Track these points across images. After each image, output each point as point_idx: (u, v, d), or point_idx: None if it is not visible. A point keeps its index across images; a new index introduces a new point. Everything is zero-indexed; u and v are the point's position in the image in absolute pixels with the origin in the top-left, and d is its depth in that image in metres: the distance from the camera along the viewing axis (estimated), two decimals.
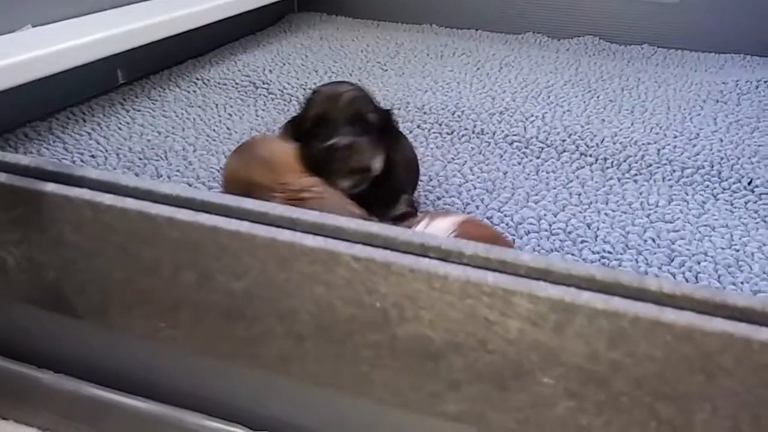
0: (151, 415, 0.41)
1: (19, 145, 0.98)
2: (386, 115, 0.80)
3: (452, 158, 0.99)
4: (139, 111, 1.13)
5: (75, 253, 0.35)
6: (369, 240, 0.31)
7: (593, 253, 0.77)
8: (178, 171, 0.92)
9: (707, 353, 0.25)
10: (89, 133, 1.03)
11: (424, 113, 1.14)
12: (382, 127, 0.77)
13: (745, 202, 0.88)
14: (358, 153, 0.72)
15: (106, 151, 0.97)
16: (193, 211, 0.32)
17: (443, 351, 0.30)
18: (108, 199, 0.33)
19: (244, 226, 0.32)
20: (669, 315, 0.26)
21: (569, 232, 0.81)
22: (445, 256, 0.30)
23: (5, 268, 0.37)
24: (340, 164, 0.70)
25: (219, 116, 1.13)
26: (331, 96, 0.75)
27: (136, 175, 0.91)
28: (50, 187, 0.34)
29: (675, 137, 1.06)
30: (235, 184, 0.65)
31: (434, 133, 1.08)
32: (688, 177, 0.94)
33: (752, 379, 0.25)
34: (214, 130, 1.07)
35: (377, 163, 0.74)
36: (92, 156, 0.96)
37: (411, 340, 0.31)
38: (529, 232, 0.81)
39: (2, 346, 0.44)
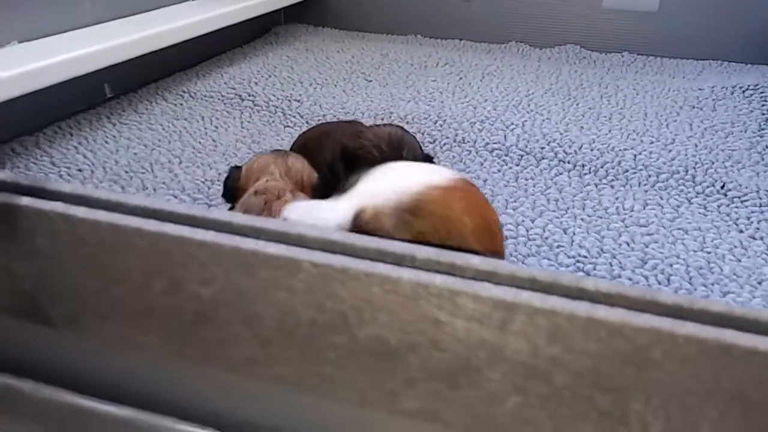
0: (127, 420, 0.42)
1: (6, 160, 0.99)
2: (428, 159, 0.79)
3: None
4: (125, 124, 1.15)
5: (50, 264, 0.37)
6: (328, 246, 0.32)
7: (569, 257, 0.79)
8: (163, 183, 0.94)
9: (638, 347, 0.27)
10: (76, 147, 1.05)
11: (407, 123, 1.16)
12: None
13: (718, 206, 0.90)
14: None
15: (93, 164, 0.99)
16: (161, 222, 0.34)
17: (399, 351, 0.32)
18: (80, 211, 0.35)
19: (209, 236, 0.33)
20: (601, 312, 0.27)
21: (546, 238, 0.83)
22: (398, 260, 0.32)
23: None
24: None
25: (205, 128, 1.15)
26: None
27: (122, 188, 0.92)
28: (25, 200, 0.36)
29: (651, 143, 1.08)
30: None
31: None
32: (663, 182, 0.97)
33: (679, 371, 0.27)
34: (199, 143, 1.09)
35: None
36: (79, 170, 0.97)
37: (369, 341, 0.32)
38: (507, 238, 0.83)
39: None
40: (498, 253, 0.45)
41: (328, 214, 0.41)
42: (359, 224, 0.40)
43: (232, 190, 0.75)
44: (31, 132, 1.09)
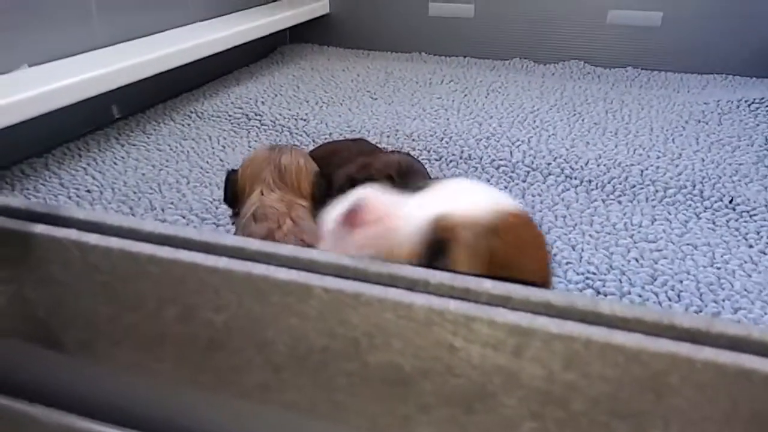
0: None
1: (15, 181, 1.00)
2: None
3: None
4: (134, 145, 1.16)
5: (63, 291, 0.37)
6: (339, 272, 0.32)
7: (578, 274, 0.79)
8: (171, 204, 0.94)
9: (655, 373, 0.27)
10: (85, 168, 1.05)
11: (413, 140, 1.16)
12: None
13: (727, 221, 0.90)
14: None
15: (102, 185, 1.00)
16: (174, 248, 0.34)
17: (413, 376, 0.32)
18: (93, 238, 0.35)
19: (222, 262, 0.33)
20: (619, 337, 0.27)
21: (554, 255, 0.83)
22: (411, 285, 0.31)
23: None
24: None
25: (212, 148, 1.15)
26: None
27: (131, 209, 0.93)
28: (39, 228, 0.36)
29: (658, 158, 1.08)
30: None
31: (423, 159, 1.10)
32: (670, 197, 0.97)
33: (697, 396, 0.27)
34: (207, 162, 1.09)
35: None
36: (88, 191, 0.98)
37: (382, 368, 0.32)
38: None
39: None
40: (547, 285, 0.45)
41: (410, 211, 0.40)
42: (438, 228, 0.39)
43: (232, 194, 0.75)
44: (41, 154, 1.10)
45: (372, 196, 0.41)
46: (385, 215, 0.39)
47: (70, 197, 0.96)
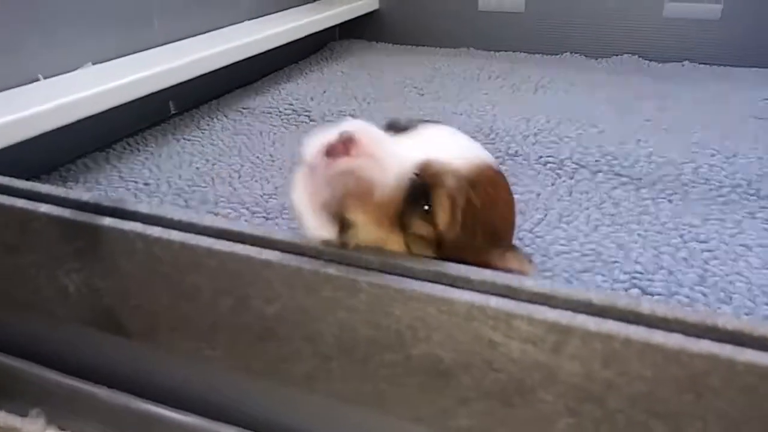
0: (193, 428, 0.44)
1: (79, 175, 1.06)
2: None
3: None
4: (188, 140, 1.20)
5: (127, 281, 0.39)
6: (386, 268, 0.34)
7: (624, 273, 0.78)
8: (223, 197, 0.98)
9: (695, 374, 0.27)
10: (143, 162, 1.10)
11: None
12: None
13: None
14: None
15: (158, 179, 1.04)
16: (231, 242, 0.36)
17: (453, 370, 0.33)
18: (156, 231, 0.38)
19: (274, 256, 0.35)
20: (658, 337, 0.28)
21: (600, 253, 0.82)
22: (453, 282, 0.33)
23: (67, 293, 0.42)
24: None
25: (263, 144, 1.18)
26: None
27: (185, 201, 0.97)
28: (107, 221, 0.39)
29: (712, 156, 1.05)
30: None
31: None
32: (724, 196, 0.94)
33: (739, 398, 0.27)
34: (258, 157, 1.12)
35: None
36: (145, 184, 1.02)
37: (424, 360, 0.34)
38: (560, 253, 0.82)
39: (62, 363, 0.49)
40: (511, 248, 0.45)
41: (398, 152, 0.39)
42: (424, 174, 0.38)
43: None
44: (102, 149, 1.16)
45: (363, 128, 0.39)
46: (375, 150, 0.37)
47: (128, 189, 1.01)
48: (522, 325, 0.30)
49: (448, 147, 0.41)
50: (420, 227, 0.38)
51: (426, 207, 0.38)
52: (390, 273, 0.33)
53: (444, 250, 0.38)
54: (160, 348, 0.42)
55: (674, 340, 0.27)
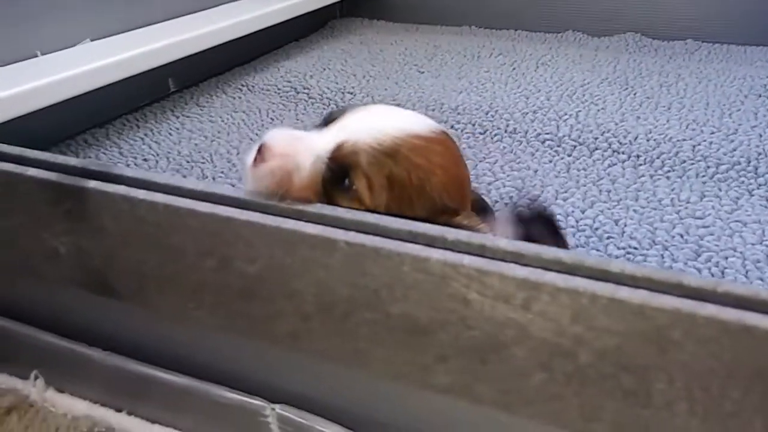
0: (185, 388, 0.45)
1: (79, 150, 1.06)
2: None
3: (484, 157, 1.01)
4: (188, 117, 1.21)
5: (115, 242, 0.40)
6: (362, 227, 0.34)
7: (618, 248, 0.78)
8: (222, 173, 0.98)
9: (659, 327, 0.28)
10: (142, 138, 1.11)
11: (458, 114, 1.16)
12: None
13: None
14: None
15: (157, 155, 1.05)
16: (212, 204, 0.37)
17: (430, 327, 0.34)
18: (141, 194, 0.38)
19: (255, 216, 0.36)
20: (623, 293, 0.28)
21: (596, 229, 0.82)
22: (429, 241, 0.33)
23: (58, 256, 0.43)
24: None
25: (262, 121, 1.19)
26: None
27: (184, 176, 0.97)
28: (93, 184, 0.39)
29: (712, 133, 1.05)
30: None
31: (467, 132, 1.11)
32: (722, 173, 0.94)
33: (700, 351, 0.27)
34: (256, 134, 1.13)
35: None
36: (144, 159, 1.03)
37: (402, 318, 0.34)
38: None
39: (57, 326, 0.50)
40: (464, 211, 0.46)
41: (311, 144, 0.43)
42: (337, 156, 0.42)
43: None
44: (102, 124, 1.16)
45: (276, 134, 0.45)
46: (288, 150, 0.43)
47: (128, 165, 1.01)
48: (494, 283, 0.31)
49: (369, 127, 0.44)
50: (350, 204, 0.41)
51: (353, 186, 0.42)
52: (366, 233, 0.34)
53: None
54: (149, 309, 0.43)
55: (639, 296, 0.28)
